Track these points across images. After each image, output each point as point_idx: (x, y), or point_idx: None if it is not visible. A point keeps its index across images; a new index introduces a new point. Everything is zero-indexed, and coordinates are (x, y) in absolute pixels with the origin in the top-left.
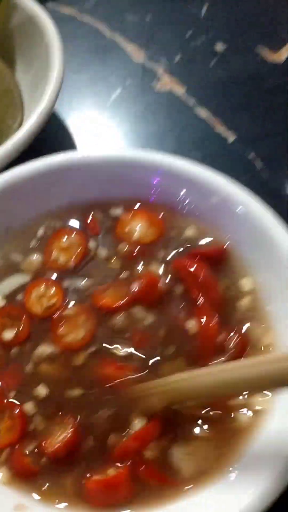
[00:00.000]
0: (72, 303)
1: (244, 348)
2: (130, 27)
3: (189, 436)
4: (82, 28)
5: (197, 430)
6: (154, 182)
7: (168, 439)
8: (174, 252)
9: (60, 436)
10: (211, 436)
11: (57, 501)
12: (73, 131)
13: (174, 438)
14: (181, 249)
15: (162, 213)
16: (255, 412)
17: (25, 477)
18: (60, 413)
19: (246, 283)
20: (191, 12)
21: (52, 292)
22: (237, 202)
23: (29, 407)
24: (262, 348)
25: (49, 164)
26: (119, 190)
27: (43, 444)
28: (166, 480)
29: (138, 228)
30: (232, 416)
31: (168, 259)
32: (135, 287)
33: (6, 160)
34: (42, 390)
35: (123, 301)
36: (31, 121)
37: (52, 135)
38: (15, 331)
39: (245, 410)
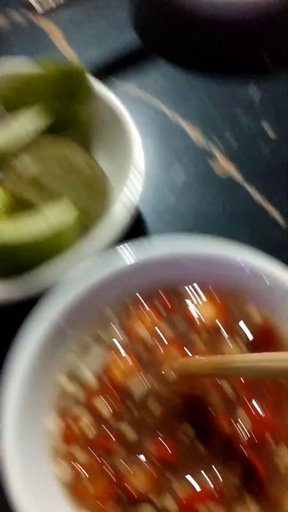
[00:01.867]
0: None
1: None
2: (188, 108)
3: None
4: (143, 107)
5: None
6: (228, 273)
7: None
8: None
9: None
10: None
11: None
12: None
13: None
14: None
15: (225, 298)
16: None
17: None
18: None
19: None
20: (245, 98)
21: (125, 357)
22: None
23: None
24: None
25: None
26: (191, 277)
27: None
28: None
29: (204, 310)
30: None
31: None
32: None
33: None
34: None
35: None
36: (118, 215)
37: None
38: (111, 408)
39: None
